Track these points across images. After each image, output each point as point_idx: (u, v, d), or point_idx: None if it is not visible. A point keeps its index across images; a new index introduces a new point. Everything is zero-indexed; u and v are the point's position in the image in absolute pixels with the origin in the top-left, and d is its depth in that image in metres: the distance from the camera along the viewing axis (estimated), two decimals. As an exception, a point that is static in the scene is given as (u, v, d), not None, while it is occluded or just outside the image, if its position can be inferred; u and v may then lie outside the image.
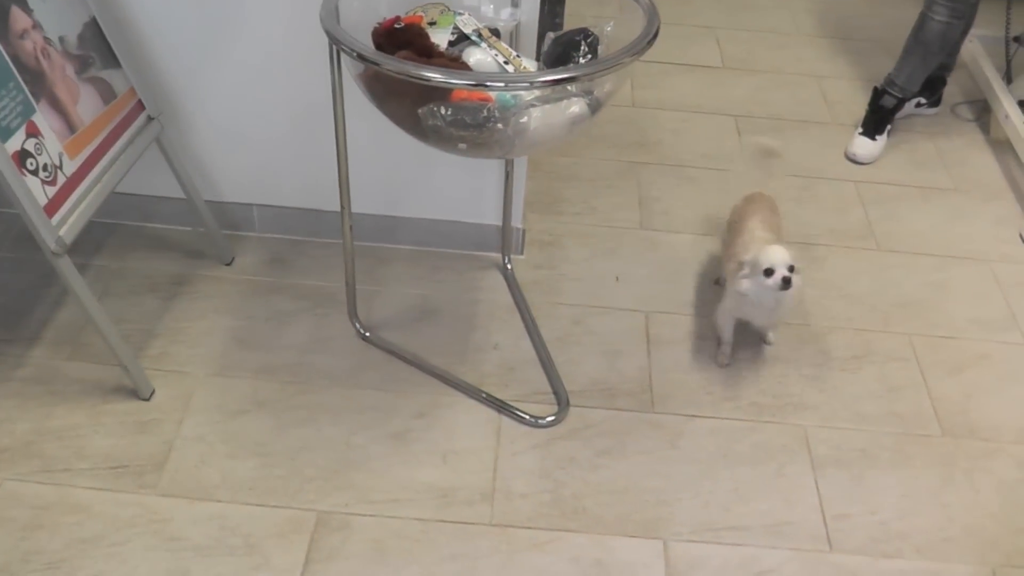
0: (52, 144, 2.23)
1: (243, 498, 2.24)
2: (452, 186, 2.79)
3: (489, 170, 2.73)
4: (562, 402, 2.45)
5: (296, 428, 2.39)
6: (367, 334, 2.63)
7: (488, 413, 2.44)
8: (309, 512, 2.21)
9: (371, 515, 2.21)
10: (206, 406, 2.45)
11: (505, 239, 2.84)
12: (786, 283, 2.35)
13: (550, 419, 2.42)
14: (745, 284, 2.42)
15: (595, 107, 1.99)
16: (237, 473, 2.29)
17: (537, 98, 1.93)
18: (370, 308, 2.72)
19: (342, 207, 2.42)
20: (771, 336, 2.70)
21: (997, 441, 2.47)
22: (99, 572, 2.09)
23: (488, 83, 1.86)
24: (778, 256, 2.37)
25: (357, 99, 2.16)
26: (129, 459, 2.32)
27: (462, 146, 1.95)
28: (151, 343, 2.63)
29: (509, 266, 2.85)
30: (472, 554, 2.14)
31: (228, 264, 2.88)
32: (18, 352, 2.60)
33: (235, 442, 2.36)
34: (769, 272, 2.36)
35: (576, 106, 1.96)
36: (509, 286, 2.80)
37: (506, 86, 1.88)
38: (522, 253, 2.90)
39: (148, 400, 2.46)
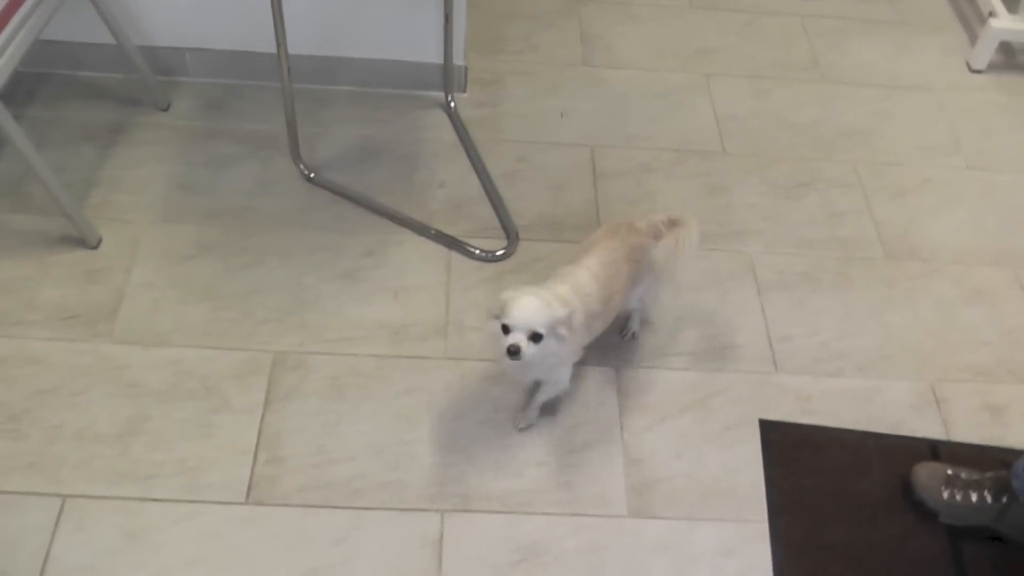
0: None
1: (198, 342, 2.25)
2: (391, 24, 2.74)
3: (428, 7, 2.68)
4: (511, 236, 2.47)
5: (245, 271, 2.39)
6: (311, 175, 2.61)
7: (437, 250, 2.45)
8: (265, 353, 2.24)
9: (326, 353, 2.24)
10: (153, 253, 2.43)
11: (447, 77, 2.80)
12: (511, 353, 1.84)
13: (500, 253, 2.44)
14: (490, 324, 1.91)
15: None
16: (190, 318, 2.30)
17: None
18: (313, 150, 2.69)
19: (278, 46, 2.37)
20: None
21: (936, 262, 2.54)
22: (61, 422, 2.11)
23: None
24: (523, 314, 1.84)
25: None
26: (81, 308, 2.31)
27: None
28: (92, 192, 2.59)
29: (452, 104, 2.82)
30: (428, 387, 2.19)
31: (164, 110, 2.82)
32: (-43, 207, 2.55)
33: (185, 287, 2.36)
34: (505, 329, 1.87)
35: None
36: (453, 124, 2.78)
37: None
38: (465, 91, 2.88)
39: (95, 249, 2.44)
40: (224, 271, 2.40)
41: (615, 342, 2.28)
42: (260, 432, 2.10)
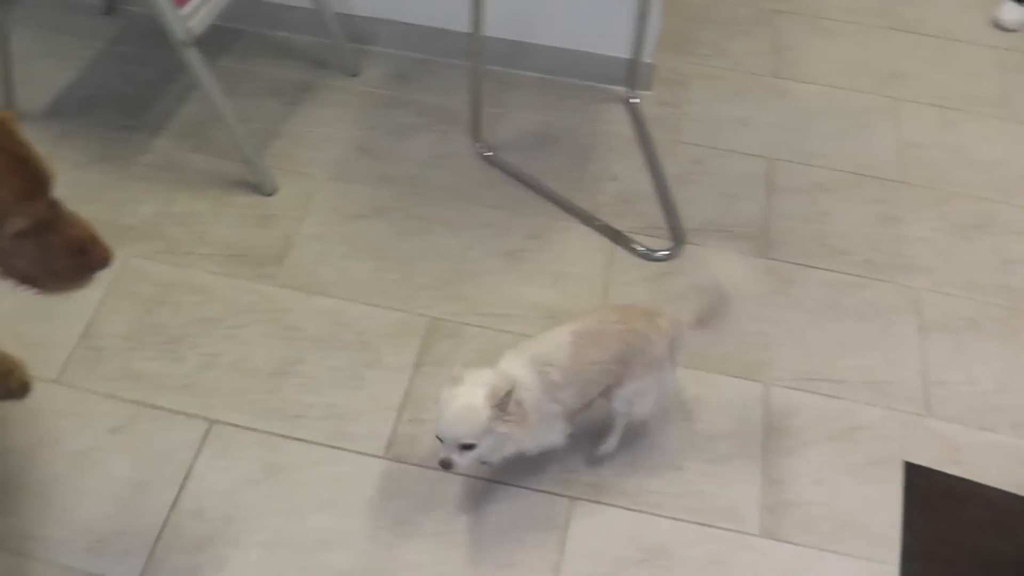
0: None
1: (359, 297, 2.30)
2: (585, 15, 2.75)
3: (623, 2, 2.69)
4: (677, 238, 2.46)
5: (413, 237, 2.44)
6: (488, 153, 2.64)
7: (602, 242, 2.46)
8: (421, 317, 2.28)
9: (481, 327, 2.26)
10: (325, 208, 2.50)
11: (633, 74, 2.80)
12: (444, 466, 1.75)
13: (664, 253, 2.42)
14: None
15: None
16: (353, 273, 2.35)
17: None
18: (492, 130, 2.72)
19: (474, 27, 2.41)
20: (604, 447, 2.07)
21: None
22: (218, 351, 2.20)
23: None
24: (447, 427, 1.72)
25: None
26: (249, 249, 2.40)
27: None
28: (274, 143, 2.68)
29: (635, 101, 2.82)
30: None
31: (353, 76, 2.90)
32: (143, 139, 2.68)
33: (352, 244, 2.42)
34: (439, 438, 1.76)
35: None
36: (632, 121, 2.77)
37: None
38: (649, 89, 2.87)
39: (270, 196, 2.53)
40: (392, 234, 2.45)
41: (761, 356, 2.25)
42: (407, 392, 2.14)
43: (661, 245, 2.44)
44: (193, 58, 2.30)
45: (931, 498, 2.07)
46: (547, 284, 2.36)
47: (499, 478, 2.00)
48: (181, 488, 1.98)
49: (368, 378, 2.16)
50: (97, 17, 3.08)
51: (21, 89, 2.74)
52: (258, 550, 1.91)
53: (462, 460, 1.74)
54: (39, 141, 2.58)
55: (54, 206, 1.46)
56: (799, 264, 2.44)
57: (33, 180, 1.42)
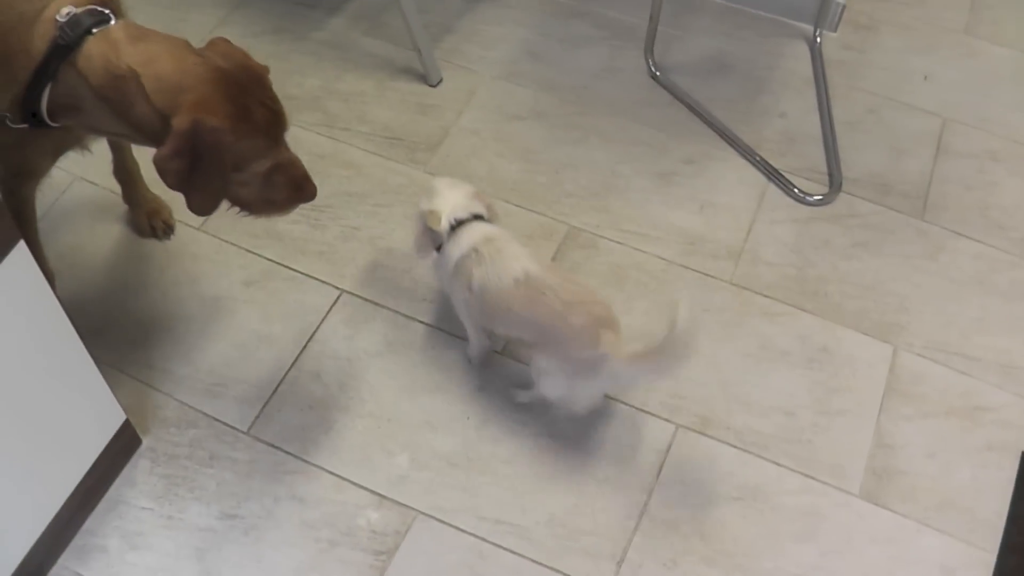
0: None
1: (504, 195, 2.33)
2: (783, -58, 2.68)
3: (824, -65, 2.60)
4: (834, 184, 2.39)
5: (566, 145, 2.44)
6: (657, 73, 2.61)
7: (756, 176, 2.41)
8: (561, 224, 2.29)
9: (618, 242, 2.26)
10: (486, 105, 2.52)
11: (822, 12, 2.70)
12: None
13: (817, 198, 2.36)
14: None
15: None
16: (502, 171, 2.38)
17: None
18: (666, 50, 2.68)
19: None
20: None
21: None
22: (358, 225, 2.27)
23: None
24: (450, 187, 1.94)
25: None
26: (406, 134, 2.44)
27: None
28: (446, 37, 2.70)
29: (818, 40, 2.72)
30: (704, 304, 2.17)
31: (539, -22, 2.89)
32: (318, 17, 2.74)
33: (506, 143, 2.44)
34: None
35: None
36: (812, 60, 2.68)
37: None
38: (835, 30, 2.77)
39: (434, 87, 2.56)
40: (547, 138, 2.45)
41: (897, 318, 2.18)
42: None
43: (816, 190, 2.37)
44: (381, -58, 2.33)
45: (1044, 495, 1.99)
46: (693, 211, 2.33)
47: (610, 395, 2.01)
48: (303, 349, 2.07)
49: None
50: None
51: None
52: (365, 420, 1.98)
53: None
54: (216, 5, 2.71)
55: (286, 149, 1.68)
56: (954, 232, 2.34)
57: (279, 129, 1.64)
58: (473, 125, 2.47)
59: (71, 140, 1.79)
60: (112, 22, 1.57)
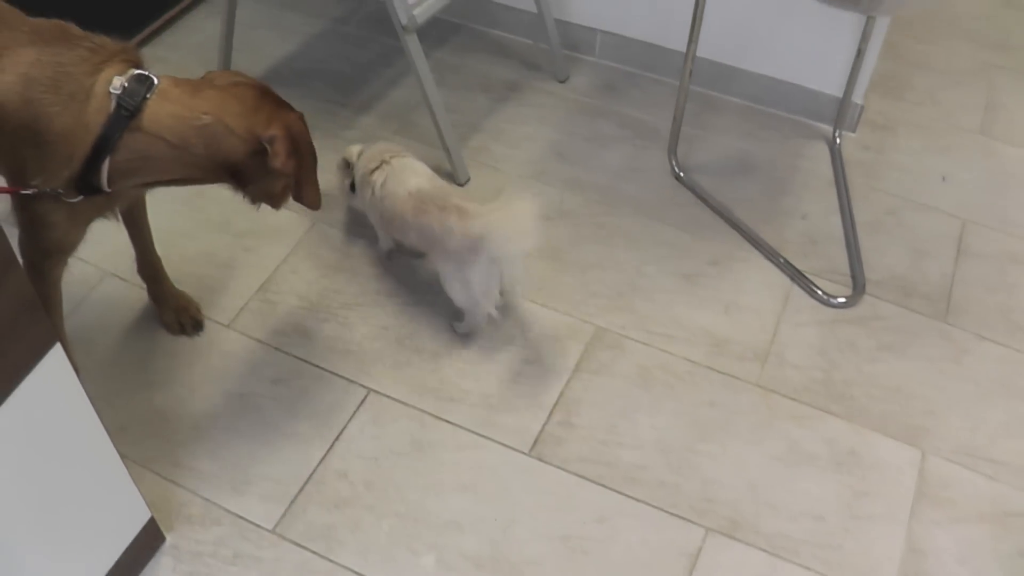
0: None
1: (530, 295, 2.35)
2: (802, 47, 2.72)
3: (842, 38, 2.64)
4: (858, 286, 2.40)
5: (593, 245, 2.46)
6: (681, 174, 2.64)
7: (780, 278, 2.42)
8: (588, 324, 2.29)
9: (645, 343, 2.27)
10: (514, 204, 2.55)
11: (841, 112, 2.75)
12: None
13: (841, 300, 2.37)
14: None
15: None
16: (530, 271, 2.39)
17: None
18: (689, 150, 2.72)
19: (688, 46, 2.42)
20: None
21: None
22: (387, 324, 2.29)
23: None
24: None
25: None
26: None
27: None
28: (474, 136, 2.74)
29: (838, 141, 2.76)
30: (731, 406, 2.17)
31: (562, 81, 2.94)
32: (349, 116, 2.80)
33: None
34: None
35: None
36: (832, 160, 2.72)
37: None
38: (854, 131, 2.81)
39: (462, 186, 2.59)
40: (574, 238, 2.48)
41: (923, 422, 2.17)
42: (562, 394, 2.16)
43: (840, 292, 2.39)
44: (412, 45, 2.39)
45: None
46: (719, 312, 2.34)
47: (637, 495, 2.00)
48: (331, 447, 2.06)
49: (526, 374, 2.20)
50: (325, -4, 3.23)
51: (240, 54, 2.91)
52: (392, 520, 1.96)
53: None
54: None
55: None
56: (977, 335, 2.34)
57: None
58: (499, 224, 2.50)
59: (107, 206, 1.84)
60: (156, 82, 1.68)
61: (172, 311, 2.25)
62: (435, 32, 3.05)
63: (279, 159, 1.70)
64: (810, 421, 2.15)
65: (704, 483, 2.03)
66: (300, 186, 1.78)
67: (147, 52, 2.92)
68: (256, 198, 1.82)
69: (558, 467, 2.04)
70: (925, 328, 2.35)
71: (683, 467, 2.06)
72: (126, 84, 1.64)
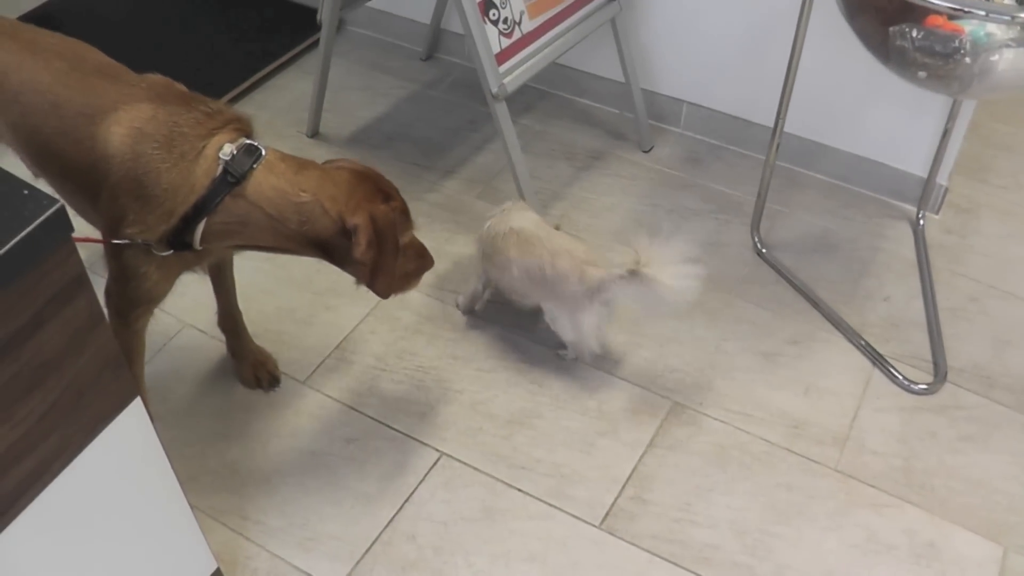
0: (517, 2, 2.41)
1: (607, 367, 2.33)
2: (888, 126, 2.70)
3: (928, 118, 2.62)
4: (940, 374, 2.35)
5: (671, 319, 2.44)
6: (763, 250, 2.62)
7: (861, 361, 2.38)
8: (664, 400, 2.27)
9: (722, 421, 2.24)
10: (594, 275, 2.55)
11: (925, 193, 2.72)
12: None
13: (923, 387, 2.33)
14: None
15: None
16: (607, 343, 2.37)
17: (1012, 39, 1.82)
18: (771, 226, 2.70)
19: (776, 122, 2.41)
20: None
21: None
22: (461, 388, 2.30)
23: (968, 8, 1.78)
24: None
25: (821, 13, 2.15)
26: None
27: (921, 74, 1.90)
28: (555, 204, 2.75)
29: (922, 222, 2.73)
30: (808, 491, 2.12)
31: (646, 152, 2.95)
32: (433, 179, 2.82)
33: (615, 315, 2.43)
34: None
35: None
36: (916, 242, 2.69)
37: (987, 16, 1.79)
38: (937, 213, 2.78)
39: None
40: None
41: (1006, 517, 2.11)
42: (635, 469, 2.14)
43: (921, 378, 2.34)
44: (501, 112, 2.41)
45: None
46: (798, 393, 2.31)
47: (708, 575, 1.97)
48: (400, 509, 2.05)
49: (599, 447, 2.18)
50: (416, 61, 3.29)
51: (330, 115, 2.96)
52: (459, 586, 1.95)
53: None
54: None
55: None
56: (1062, 429, 2.29)
57: (407, 209, 1.89)
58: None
59: (196, 261, 1.88)
60: (263, 153, 1.73)
61: (250, 365, 2.27)
62: (522, 98, 3.07)
63: (359, 248, 1.74)
64: (889, 510, 2.10)
65: (778, 567, 1.99)
66: (374, 275, 1.81)
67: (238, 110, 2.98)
68: (352, 274, 1.86)
69: (629, 543, 2.01)
70: (1007, 420, 2.29)
71: (757, 549, 2.02)
72: (235, 152, 1.71)
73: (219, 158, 1.70)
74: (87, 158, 1.73)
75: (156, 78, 1.81)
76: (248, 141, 1.74)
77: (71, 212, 1.57)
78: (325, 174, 1.77)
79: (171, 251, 1.75)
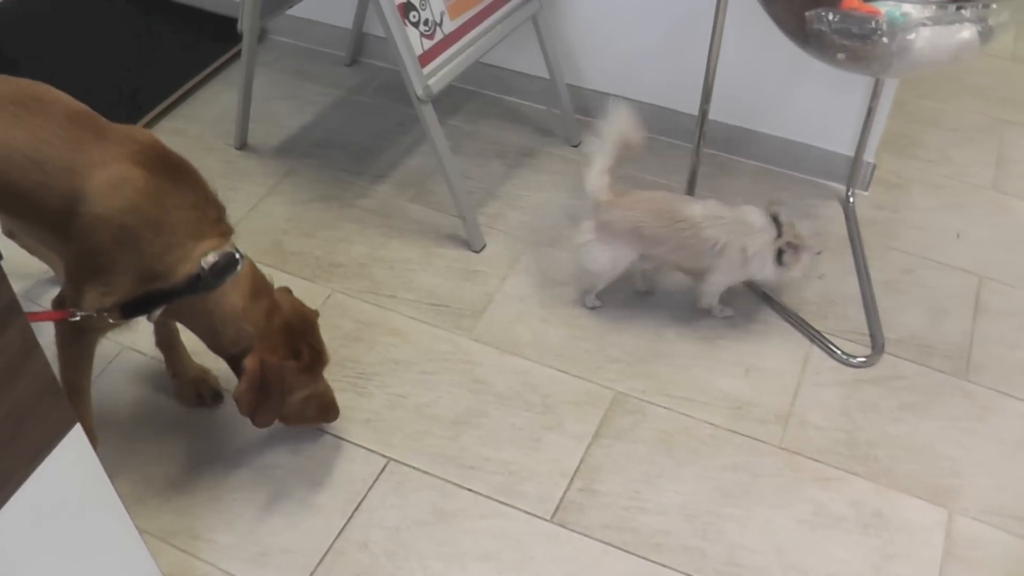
0: (436, 3, 2.41)
1: (548, 361, 2.34)
2: (812, 108, 2.74)
3: (852, 98, 2.66)
4: (877, 346, 2.39)
5: (612, 309, 2.46)
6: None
7: (799, 339, 2.41)
8: (607, 390, 2.29)
9: (665, 407, 2.26)
10: (530, 270, 2.56)
11: (854, 172, 2.76)
12: None
13: (861, 360, 2.36)
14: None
15: (985, 37, 1.89)
16: (547, 337, 2.39)
17: (928, 17, 1.86)
18: (703, 214, 2.72)
19: (701, 111, 2.44)
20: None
21: None
22: (405, 393, 2.27)
23: (883, -10, 1.82)
24: None
25: (738, 3, 2.17)
26: (451, 301, 2.47)
27: (840, 56, 1.93)
28: (489, 203, 2.76)
29: (852, 200, 2.77)
30: (754, 470, 2.15)
31: (575, 146, 2.96)
32: (365, 184, 2.82)
33: (551, 308, 2.46)
34: None
35: (966, 31, 1.87)
36: (847, 220, 2.72)
37: (900, -2, 1.84)
38: (867, 190, 2.82)
39: (478, 253, 2.60)
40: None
41: (950, 482, 2.15)
42: (583, 461, 2.15)
43: (859, 352, 2.38)
44: (427, 114, 2.41)
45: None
46: (738, 375, 2.33)
47: (661, 561, 1.98)
48: (350, 518, 2.04)
49: (546, 441, 2.18)
50: (340, 67, 3.27)
51: (257, 125, 2.94)
52: (415, 591, 1.95)
53: None
54: (267, 175, 2.80)
55: (322, 379, 2.08)
56: (1000, 392, 2.32)
57: (320, 366, 2.04)
58: (517, 291, 2.50)
59: None
60: (239, 267, 1.86)
61: (191, 383, 2.25)
62: (449, 99, 3.07)
63: (238, 387, 1.90)
64: (835, 483, 2.13)
65: (730, 548, 2.01)
66: (251, 413, 1.94)
67: (165, 124, 2.96)
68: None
69: (581, 534, 2.02)
70: (946, 387, 2.33)
71: (708, 532, 2.03)
72: (216, 260, 1.82)
73: (199, 263, 1.81)
74: (70, 209, 1.77)
75: (142, 137, 1.86)
76: (229, 251, 1.85)
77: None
78: (272, 309, 1.92)
79: (122, 321, 1.85)
